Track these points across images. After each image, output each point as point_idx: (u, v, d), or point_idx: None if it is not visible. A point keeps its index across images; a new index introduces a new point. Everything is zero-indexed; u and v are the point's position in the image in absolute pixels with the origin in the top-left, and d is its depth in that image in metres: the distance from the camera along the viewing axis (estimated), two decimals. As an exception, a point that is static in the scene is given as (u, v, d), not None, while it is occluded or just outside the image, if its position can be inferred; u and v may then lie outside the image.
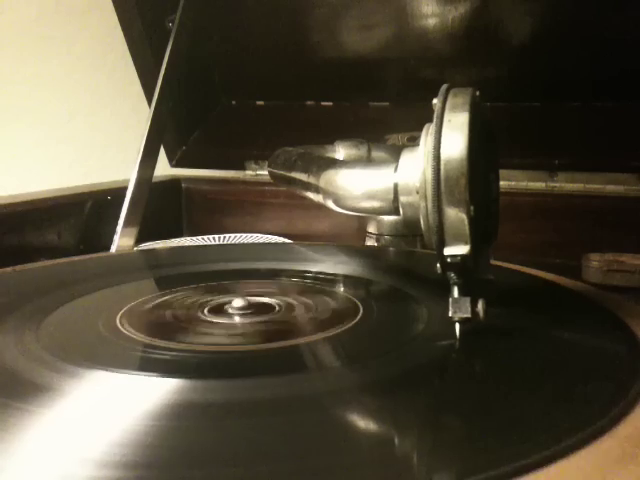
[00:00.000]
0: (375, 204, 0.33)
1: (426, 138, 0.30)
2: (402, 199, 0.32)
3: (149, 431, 0.23)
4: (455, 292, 0.30)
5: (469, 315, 0.30)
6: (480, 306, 0.30)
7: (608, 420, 0.23)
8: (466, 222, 0.28)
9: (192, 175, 0.82)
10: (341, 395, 0.27)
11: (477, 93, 0.30)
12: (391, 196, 0.32)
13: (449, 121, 0.29)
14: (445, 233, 0.29)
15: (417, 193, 0.30)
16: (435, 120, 0.29)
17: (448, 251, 0.29)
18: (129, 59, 0.76)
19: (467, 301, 0.30)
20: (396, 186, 0.32)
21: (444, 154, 0.28)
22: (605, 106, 0.65)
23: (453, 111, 0.29)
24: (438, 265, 0.30)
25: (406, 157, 0.32)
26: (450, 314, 0.30)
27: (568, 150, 0.65)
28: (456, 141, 0.28)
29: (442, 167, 0.28)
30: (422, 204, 0.30)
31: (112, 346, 0.32)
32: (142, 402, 0.25)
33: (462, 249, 0.29)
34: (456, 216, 0.28)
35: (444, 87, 0.30)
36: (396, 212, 0.32)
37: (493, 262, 0.37)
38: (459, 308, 0.30)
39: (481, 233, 0.30)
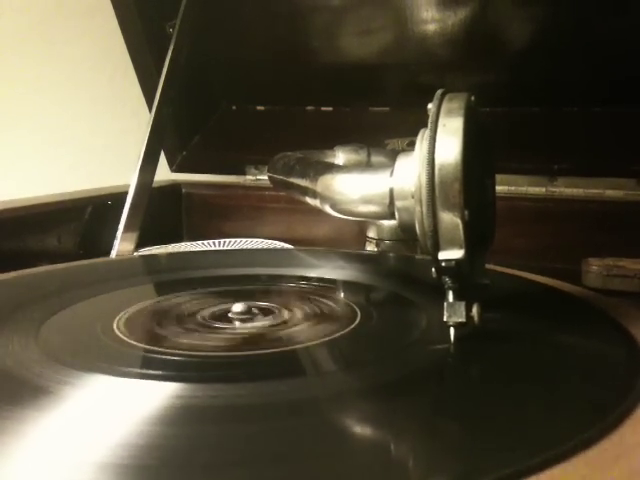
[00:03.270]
0: (371, 208, 0.33)
1: (421, 143, 0.30)
2: (398, 203, 0.32)
3: (148, 435, 0.23)
4: (450, 296, 0.30)
5: (463, 319, 0.30)
6: (475, 310, 0.30)
7: (607, 424, 0.23)
8: (461, 226, 0.28)
9: (192, 180, 0.82)
10: (340, 399, 0.27)
11: (472, 98, 0.31)
12: (387, 200, 0.32)
13: (444, 126, 0.29)
14: (440, 237, 0.29)
15: (412, 197, 0.30)
16: (430, 125, 0.29)
17: (443, 255, 0.29)
18: (129, 64, 0.76)
19: (462, 305, 0.30)
20: (392, 191, 0.32)
21: (438, 159, 0.28)
22: (604, 111, 0.65)
23: (448, 116, 0.29)
24: (433, 269, 0.30)
25: (401, 162, 0.32)
26: (445, 318, 0.30)
27: (568, 155, 0.65)
28: (451, 146, 0.28)
29: (436, 172, 0.28)
30: (417, 208, 0.30)
31: (111, 351, 0.32)
32: (140, 406, 0.25)
33: (457, 253, 0.29)
34: (450, 220, 0.28)
35: (439, 92, 0.30)
36: (392, 216, 0.33)
37: (493, 267, 0.37)
38: (454, 312, 0.30)
39: (477, 237, 0.30)
